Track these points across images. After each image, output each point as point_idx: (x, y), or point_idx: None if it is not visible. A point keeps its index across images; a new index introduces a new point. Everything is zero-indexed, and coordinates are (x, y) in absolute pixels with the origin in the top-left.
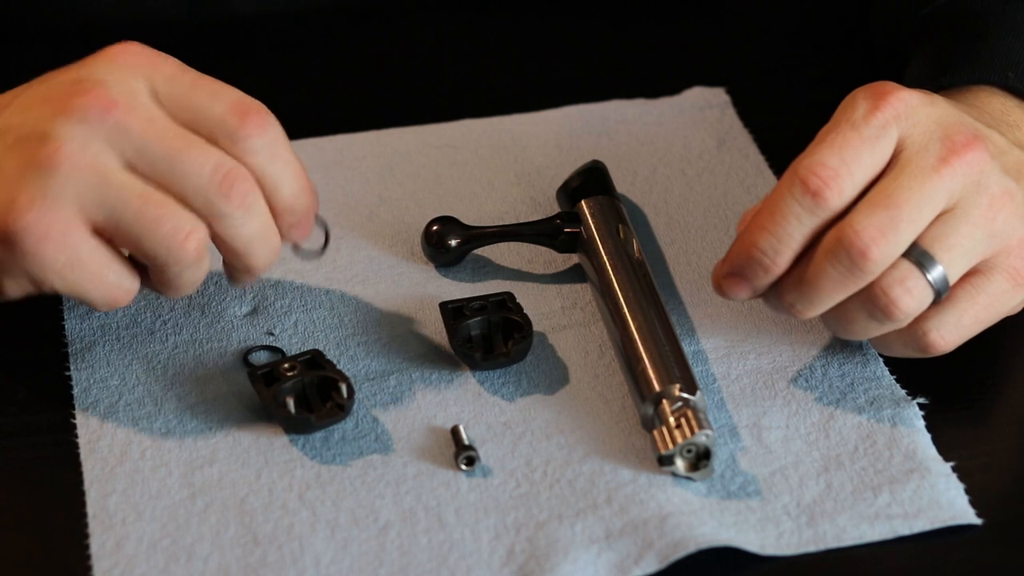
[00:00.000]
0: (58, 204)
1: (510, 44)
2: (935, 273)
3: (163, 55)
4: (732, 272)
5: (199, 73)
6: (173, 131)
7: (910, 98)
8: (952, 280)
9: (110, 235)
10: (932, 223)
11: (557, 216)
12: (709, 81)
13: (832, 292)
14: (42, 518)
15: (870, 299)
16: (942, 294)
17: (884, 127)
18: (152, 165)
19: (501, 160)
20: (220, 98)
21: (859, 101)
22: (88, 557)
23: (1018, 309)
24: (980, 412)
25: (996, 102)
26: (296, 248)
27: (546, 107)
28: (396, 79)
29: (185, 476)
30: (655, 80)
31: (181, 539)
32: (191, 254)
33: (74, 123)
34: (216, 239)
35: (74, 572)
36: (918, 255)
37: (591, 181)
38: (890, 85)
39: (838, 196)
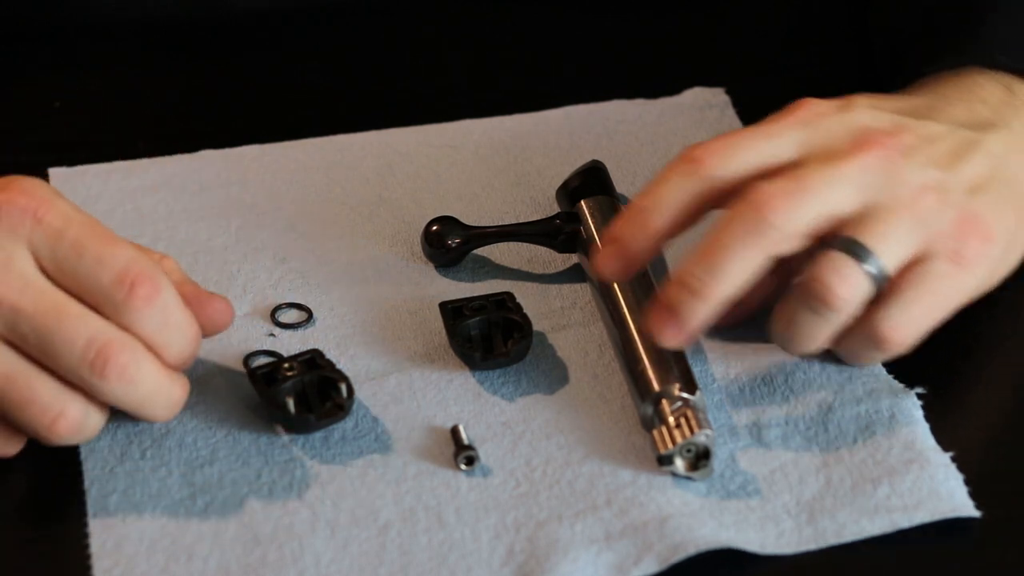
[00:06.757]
0: None
1: (510, 44)
2: (867, 260)
3: (49, 202)
4: (615, 237)
5: (87, 227)
6: (46, 303)
7: (820, 107)
8: (889, 268)
9: None
10: (856, 216)
11: (557, 216)
12: (709, 81)
13: (735, 254)
14: (42, 518)
15: (807, 292)
16: (879, 281)
17: (783, 128)
18: (23, 340)
19: (501, 160)
20: (106, 266)
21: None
22: (88, 557)
23: (972, 295)
24: (978, 402)
25: (970, 80)
26: None
27: (546, 107)
28: (396, 79)
29: (185, 476)
30: (655, 80)
31: (181, 538)
32: (61, 435)
33: None
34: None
35: (74, 572)
36: (848, 244)
37: (591, 181)
38: (807, 100)
39: (719, 165)
